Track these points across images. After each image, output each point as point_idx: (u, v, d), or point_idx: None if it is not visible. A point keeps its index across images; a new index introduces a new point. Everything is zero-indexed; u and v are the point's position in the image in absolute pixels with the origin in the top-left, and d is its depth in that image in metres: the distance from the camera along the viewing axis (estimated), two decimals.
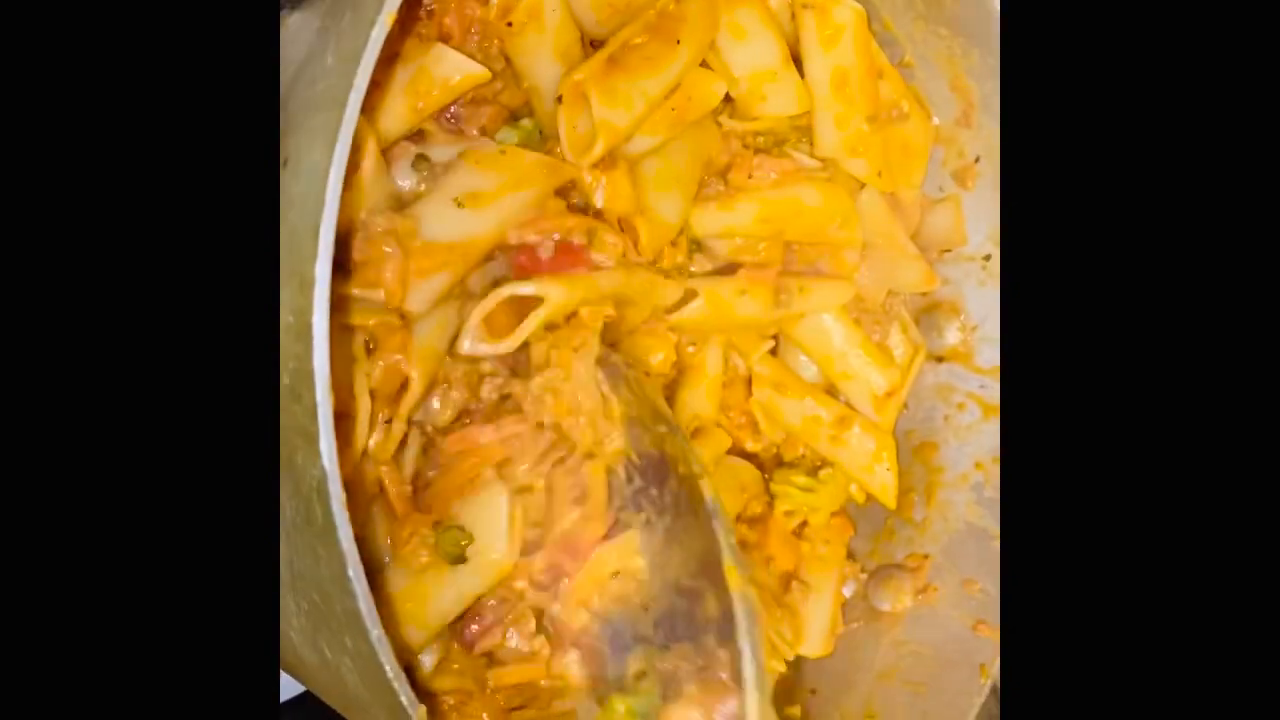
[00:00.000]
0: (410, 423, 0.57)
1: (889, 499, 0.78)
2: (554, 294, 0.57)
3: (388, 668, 0.43)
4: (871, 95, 0.71)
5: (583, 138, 0.62)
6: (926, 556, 0.78)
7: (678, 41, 0.65)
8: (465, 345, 0.57)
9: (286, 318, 0.42)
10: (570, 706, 0.57)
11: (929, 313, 0.81)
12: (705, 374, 0.73)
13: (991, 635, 0.72)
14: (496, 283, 0.59)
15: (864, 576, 0.79)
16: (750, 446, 0.77)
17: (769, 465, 0.78)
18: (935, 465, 0.80)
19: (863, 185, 0.74)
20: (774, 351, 0.78)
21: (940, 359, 0.81)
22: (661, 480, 0.59)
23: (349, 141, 0.42)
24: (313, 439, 0.42)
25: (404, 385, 0.56)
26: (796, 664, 0.75)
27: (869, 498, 0.78)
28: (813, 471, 0.78)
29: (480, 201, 0.57)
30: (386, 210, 0.55)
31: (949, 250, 0.80)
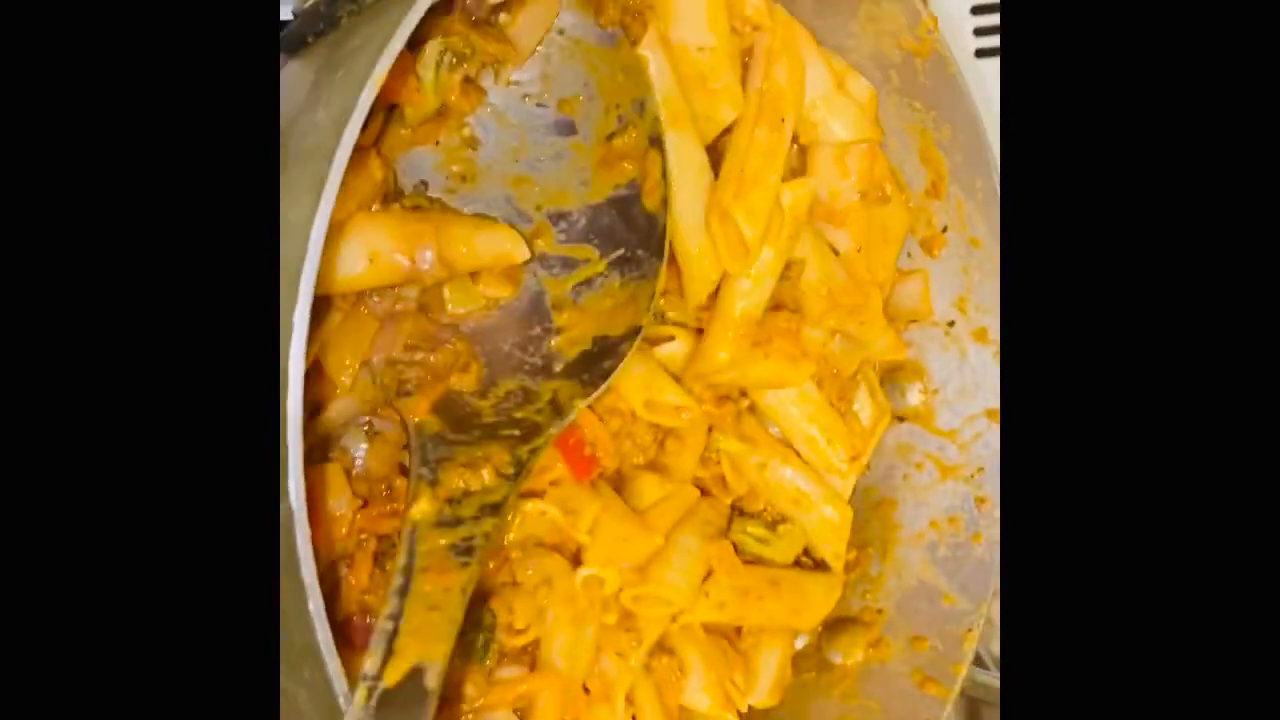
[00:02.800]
0: None
1: (838, 566, 0.80)
2: None
3: (340, 699, 0.45)
4: (866, 172, 0.74)
5: (737, 250, 0.66)
6: (880, 611, 0.80)
7: (782, 119, 0.67)
8: None
9: None
10: None
11: (893, 374, 0.83)
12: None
13: (939, 694, 0.74)
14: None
15: (819, 628, 0.81)
16: (716, 493, 0.79)
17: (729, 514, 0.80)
18: (893, 522, 0.82)
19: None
20: (750, 408, 0.80)
21: (901, 419, 0.83)
22: None
23: (333, 196, 0.44)
24: (280, 476, 0.44)
25: None
26: (748, 714, 0.76)
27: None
28: (771, 525, 0.80)
29: None
30: None
31: (915, 321, 0.82)
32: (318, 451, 0.60)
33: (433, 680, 0.50)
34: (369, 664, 0.50)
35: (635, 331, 0.64)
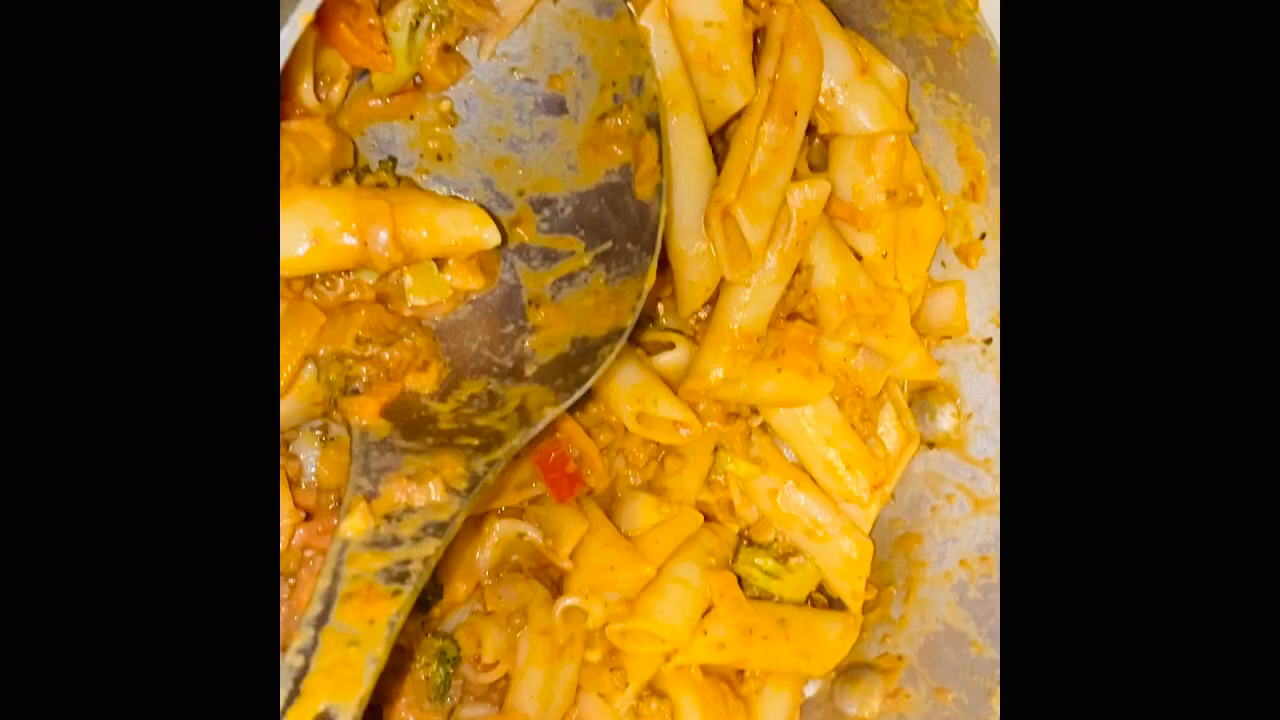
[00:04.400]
0: None
1: (855, 606, 0.72)
2: None
3: None
4: (894, 170, 0.66)
5: (738, 252, 0.60)
6: (900, 658, 0.72)
7: (795, 113, 0.60)
8: None
9: None
10: None
11: (923, 395, 0.75)
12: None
13: None
14: None
15: (831, 674, 0.73)
16: (721, 520, 0.72)
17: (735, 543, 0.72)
18: (917, 559, 0.74)
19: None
20: (762, 426, 0.72)
21: (931, 445, 0.75)
22: None
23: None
24: None
25: None
26: None
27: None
28: (782, 558, 0.73)
29: None
30: None
31: (948, 337, 0.75)
32: None
33: None
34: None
35: (618, 333, 0.57)
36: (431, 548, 0.49)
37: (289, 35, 0.44)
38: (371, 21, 0.51)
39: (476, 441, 0.53)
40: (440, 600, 0.61)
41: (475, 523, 0.62)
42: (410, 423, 0.52)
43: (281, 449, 0.55)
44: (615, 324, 0.57)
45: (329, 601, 0.46)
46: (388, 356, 0.52)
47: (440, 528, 0.49)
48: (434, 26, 0.54)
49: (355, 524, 0.47)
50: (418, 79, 0.56)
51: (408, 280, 0.54)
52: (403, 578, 0.47)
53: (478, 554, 0.61)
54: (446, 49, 0.56)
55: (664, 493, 0.68)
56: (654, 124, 0.58)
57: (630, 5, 0.57)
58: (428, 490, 0.49)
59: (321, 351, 0.51)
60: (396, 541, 0.48)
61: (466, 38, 0.57)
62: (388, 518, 0.49)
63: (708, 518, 0.71)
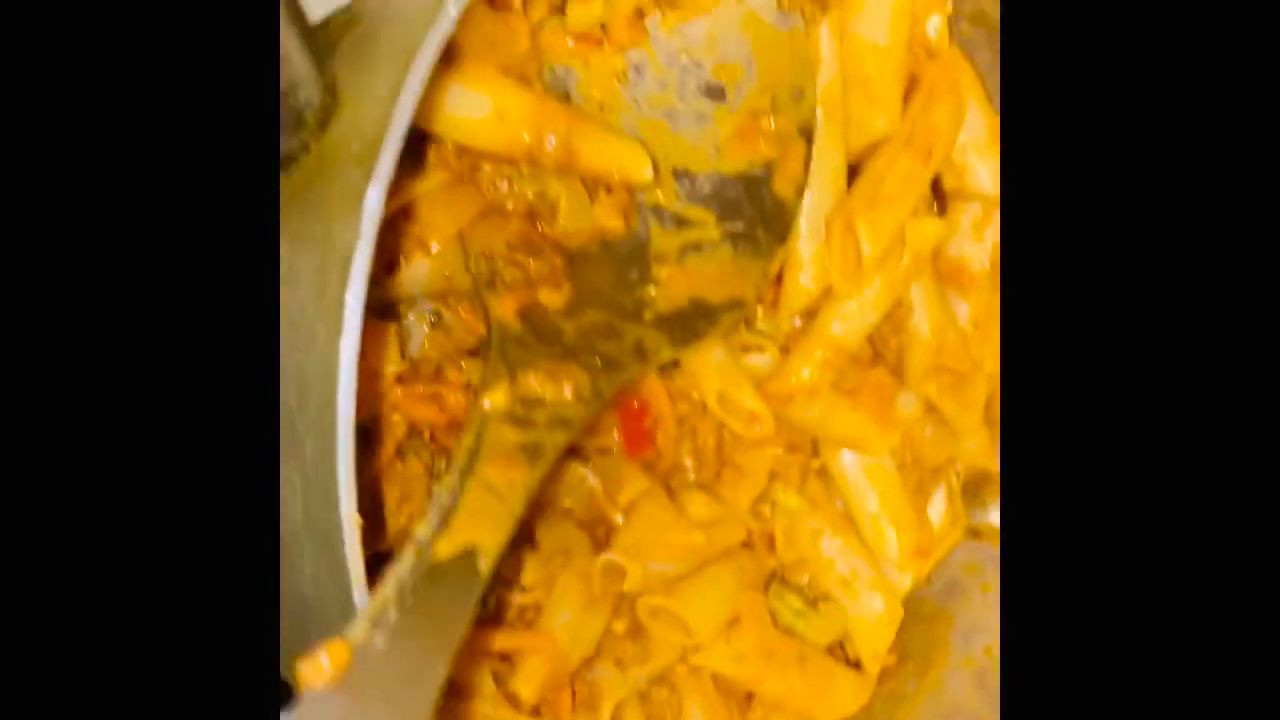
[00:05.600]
0: None
1: (874, 669, 0.72)
2: None
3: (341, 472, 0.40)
4: None
5: (850, 263, 0.63)
6: None
7: (930, 154, 0.64)
8: None
9: None
10: None
11: (976, 483, 0.77)
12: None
13: None
14: None
15: None
16: (759, 551, 0.72)
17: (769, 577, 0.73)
18: (943, 641, 0.73)
19: None
20: (820, 471, 0.74)
21: (977, 534, 0.76)
22: None
23: None
24: (357, 199, 0.40)
25: None
26: None
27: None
28: (811, 601, 0.72)
29: None
30: None
31: None
32: (378, 310, 0.56)
33: (485, 566, 0.46)
34: (420, 529, 0.45)
35: (737, 304, 0.60)
36: (561, 437, 0.51)
37: None
38: None
39: (599, 362, 0.55)
40: None
41: None
42: (541, 331, 0.55)
43: (394, 313, 0.57)
44: (735, 294, 0.60)
45: (473, 457, 0.48)
46: (531, 266, 0.55)
47: (568, 423, 0.52)
48: None
49: (496, 399, 0.50)
50: (604, 31, 0.61)
51: (562, 201, 0.58)
52: (537, 454, 0.50)
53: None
54: (639, 14, 0.61)
55: (717, 498, 0.69)
56: (806, 133, 0.63)
57: (804, 18, 0.63)
58: (561, 389, 0.52)
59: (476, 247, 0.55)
60: (532, 424, 0.51)
61: (655, 11, 0.62)
62: (523, 400, 0.51)
63: (747, 544, 0.71)
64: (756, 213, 0.63)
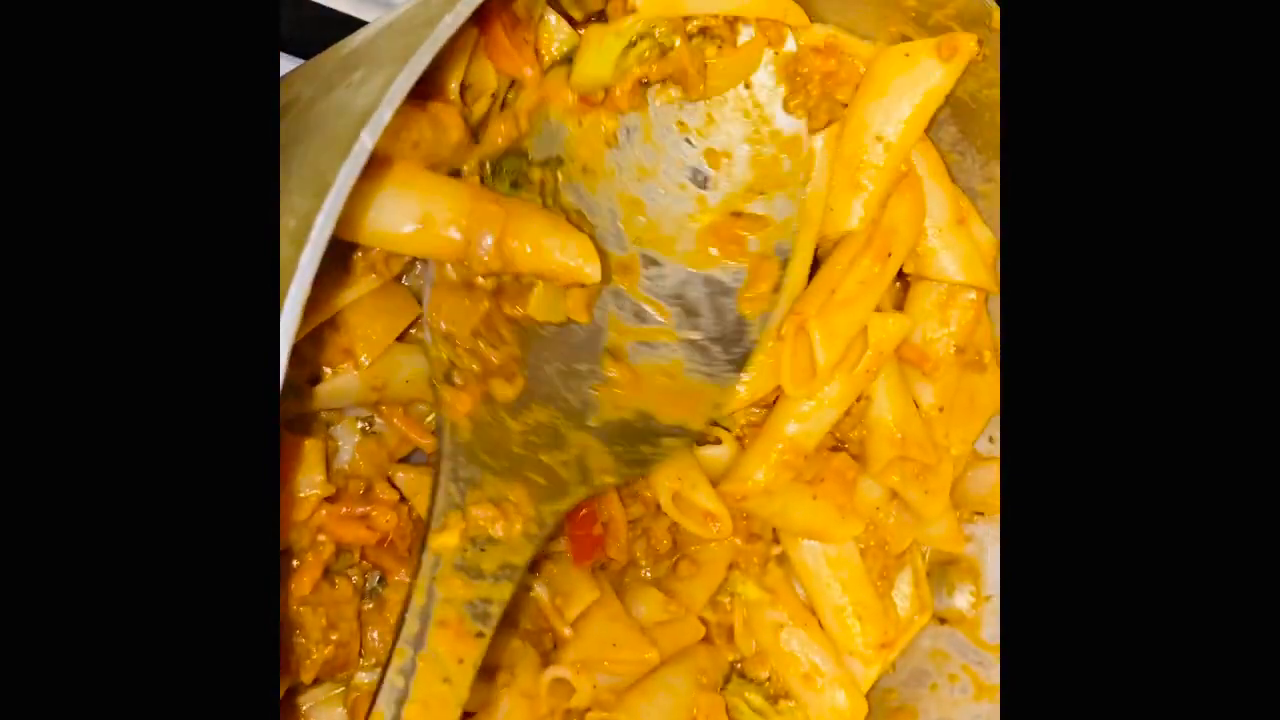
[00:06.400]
0: None
1: None
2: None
3: None
4: (968, 327, 0.67)
5: (803, 371, 0.60)
6: None
7: (889, 255, 0.61)
8: None
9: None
10: None
11: (943, 568, 0.74)
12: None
13: None
14: None
15: None
16: (718, 645, 0.69)
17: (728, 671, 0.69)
18: None
19: None
20: (780, 558, 0.70)
21: (943, 620, 0.73)
22: None
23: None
24: None
25: None
26: None
27: None
28: (773, 699, 0.69)
29: None
30: None
31: (981, 514, 0.74)
32: (300, 423, 0.52)
33: None
34: None
35: (683, 431, 0.58)
36: (508, 591, 0.49)
37: (453, 20, 0.45)
38: (528, 37, 0.53)
39: (543, 481, 0.52)
40: None
41: None
42: (490, 439, 0.52)
43: (322, 429, 0.53)
44: (683, 421, 0.57)
45: (424, 622, 0.46)
46: (492, 357, 0.52)
47: (514, 570, 0.50)
48: (648, 53, 0.56)
49: (448, 541, 0.48)
50: (606, 94, 0.57)
51: (537, 290, 0.54)
52: (484, 618, 0.48)
53: None
54: (644, 83, 0.57)
55: (672, 595, 0.66)
56: (782, 254, 0.59)
57: (809, 117, 0.60)
58: (512, 525, 0.50)
59: (443, 325, 0.51)
60: (480, 574, 0.49)
61: (665, 82, 0.58)
62: (473, 540, 0.49)
63: (705, 639, 0.68)
64: (715, 324, 0.60)
